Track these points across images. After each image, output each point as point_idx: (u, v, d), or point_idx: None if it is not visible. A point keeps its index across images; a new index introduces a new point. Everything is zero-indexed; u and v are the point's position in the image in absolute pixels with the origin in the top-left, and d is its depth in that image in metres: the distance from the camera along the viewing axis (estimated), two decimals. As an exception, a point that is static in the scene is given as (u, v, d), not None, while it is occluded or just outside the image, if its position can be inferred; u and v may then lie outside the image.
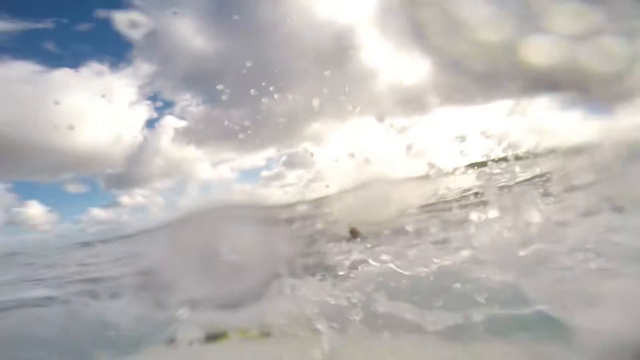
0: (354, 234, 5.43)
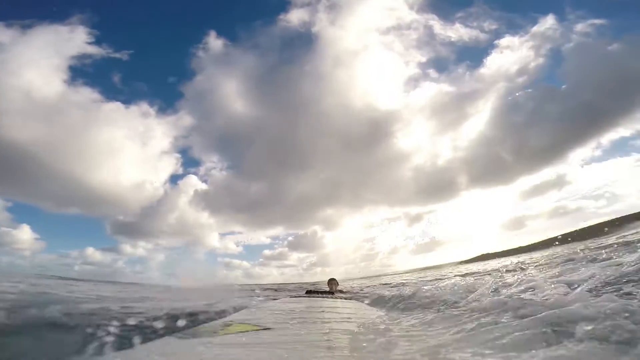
0: (331, 285, 5.76)
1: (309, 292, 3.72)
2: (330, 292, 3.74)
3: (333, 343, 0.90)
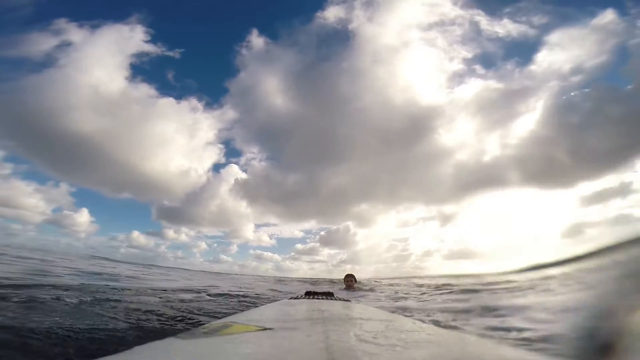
0: (348, 282, 6.19)
1: (309, 293, 3.70)
2: (330, 294, 3.69)
3: (333, 344, 0.89)
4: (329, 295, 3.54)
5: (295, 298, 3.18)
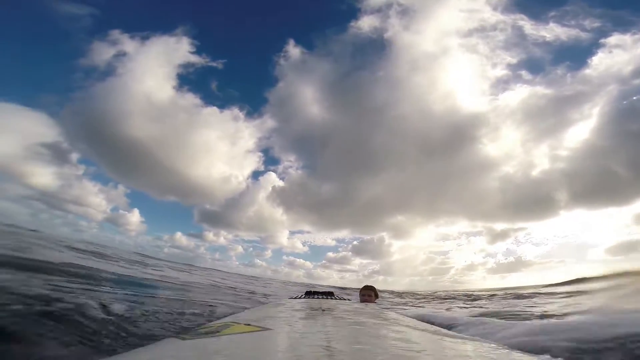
0: (366, 296, 4.78)
1: (309, 293, 3.70)
2: (331, 293, 3.67)
3: (334, 344, 0.89)
4: (329, 295, 3.54)
5: (295, 298, 3.18)
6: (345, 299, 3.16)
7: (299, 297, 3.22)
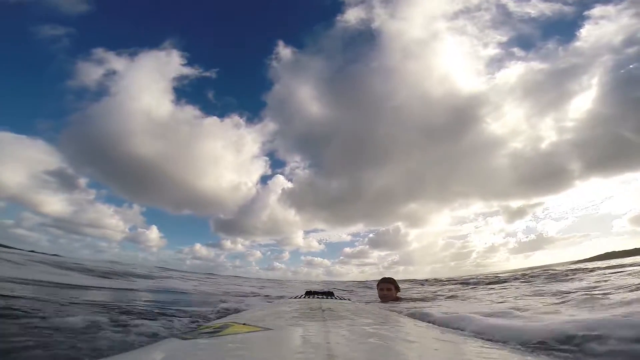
0: (384, 290, 3.87)
1: (309, 293, 3.69)
2: (331, 293, 3.66)
3: (334, 344, 0.89)
4: (329, 295, 3.54)
5: (295, 298, 3.18)
6: (345, 299, 3.16)
7: (299, 297, 3.22)
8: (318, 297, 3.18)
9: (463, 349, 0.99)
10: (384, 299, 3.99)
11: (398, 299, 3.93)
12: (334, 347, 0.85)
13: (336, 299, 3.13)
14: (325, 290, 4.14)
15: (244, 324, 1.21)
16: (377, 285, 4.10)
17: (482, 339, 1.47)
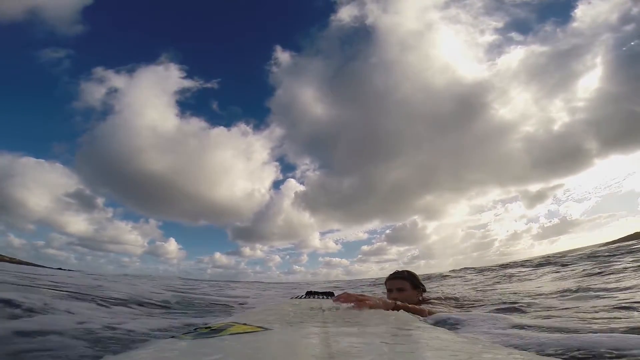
0: (398, 290, 2.52)
1: (309, 293, 3.67)
2: (331, 293, 3.62)
3: (334, 344, 0.88)
4: (330, 295, 3.53)
5: (296, 298, 3.18)
6: None
7: (300, 297, 3.21)
8: (319, 298, 3.17)
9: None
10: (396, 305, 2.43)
11: (421, 304, 2.50)
12: (334, 347, 0.84)
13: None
14: (326, 290, 4.13)
15: (244, 324, 1.20)
16: (385, 283, 2.78)
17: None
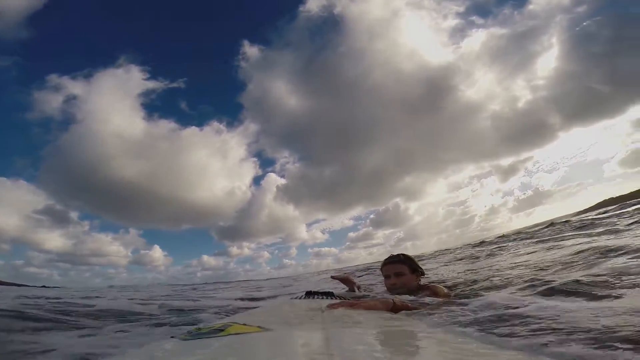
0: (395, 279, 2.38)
1: (309, 293, 3.66)
2: (331, 293, 3.61)
3: (334, 344, 0.88)
4: (329, 295, 3.52)
5: (295, 298, 3.18)
6: (345, 299, 3.14)
7: (299, 297, 3.21)
8: (318, 298, 3.16)
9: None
10: (395, 291, 2.48)
11: (421, 289, 2.38)
12: (334, 346, 0.85)
13: (336, 299, 3.12)
14: (326, 290, 4.13)
15: (244, 324, 1.20)
16: (381, 269, 2.60)
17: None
